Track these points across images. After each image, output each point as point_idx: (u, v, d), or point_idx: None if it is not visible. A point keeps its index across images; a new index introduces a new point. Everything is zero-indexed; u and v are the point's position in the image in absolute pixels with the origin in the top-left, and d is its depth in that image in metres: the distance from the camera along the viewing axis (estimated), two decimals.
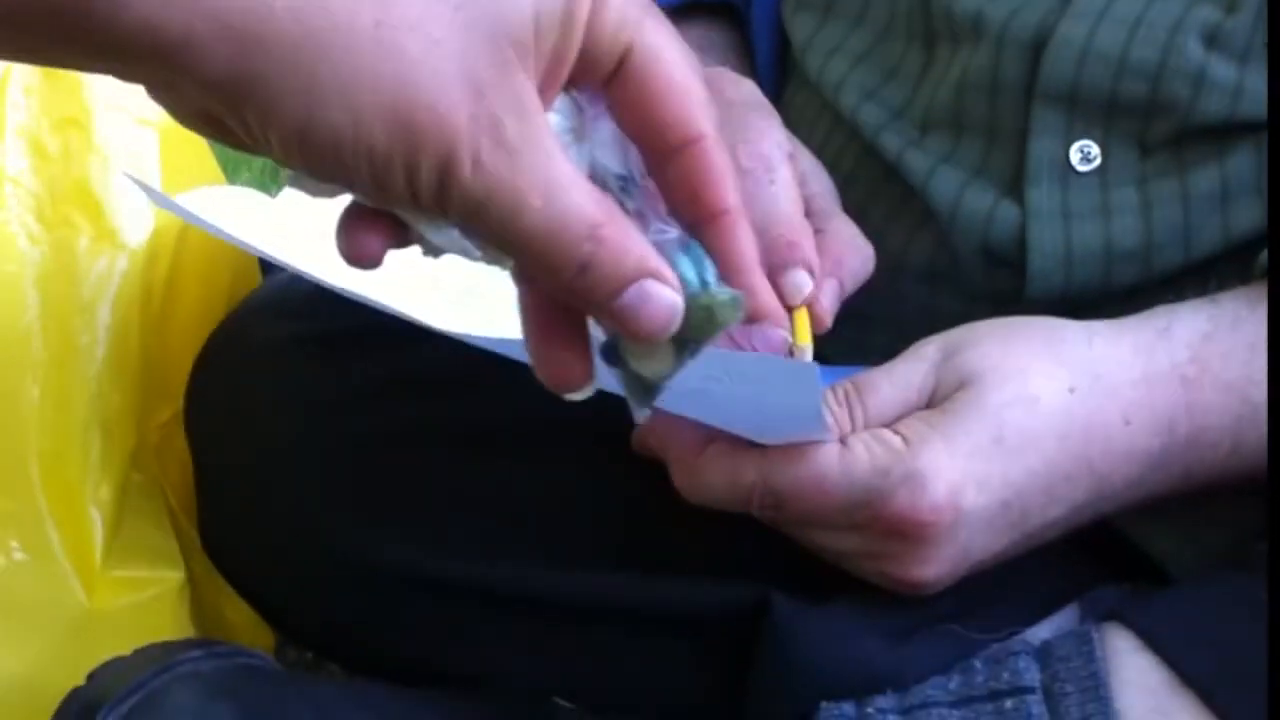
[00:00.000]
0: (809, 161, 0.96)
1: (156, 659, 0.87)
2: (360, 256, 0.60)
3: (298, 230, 0.92)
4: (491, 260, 0.60)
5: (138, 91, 1.11)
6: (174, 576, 1.07)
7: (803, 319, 0.87)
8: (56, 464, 1.04)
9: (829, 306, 0.89)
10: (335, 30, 0.54)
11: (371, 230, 0.60)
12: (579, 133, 0.62)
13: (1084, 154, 0.92)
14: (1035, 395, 0.82)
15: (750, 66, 1.13)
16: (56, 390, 1.04)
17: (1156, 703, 0.81)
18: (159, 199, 0.98)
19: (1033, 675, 0.82)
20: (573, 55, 0.59)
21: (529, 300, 0.64)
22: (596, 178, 0.62)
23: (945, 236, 0.95)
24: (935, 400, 0.84)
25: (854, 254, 0.91)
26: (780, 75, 1.13)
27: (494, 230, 0.58)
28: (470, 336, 0.82)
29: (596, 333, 0.64)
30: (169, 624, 1.05)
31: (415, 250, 0.67)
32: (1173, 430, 0.84)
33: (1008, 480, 0.82)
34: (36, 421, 1.03)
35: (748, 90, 0.94)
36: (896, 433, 0.82)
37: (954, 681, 0.85)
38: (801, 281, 0.87)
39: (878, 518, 0.81)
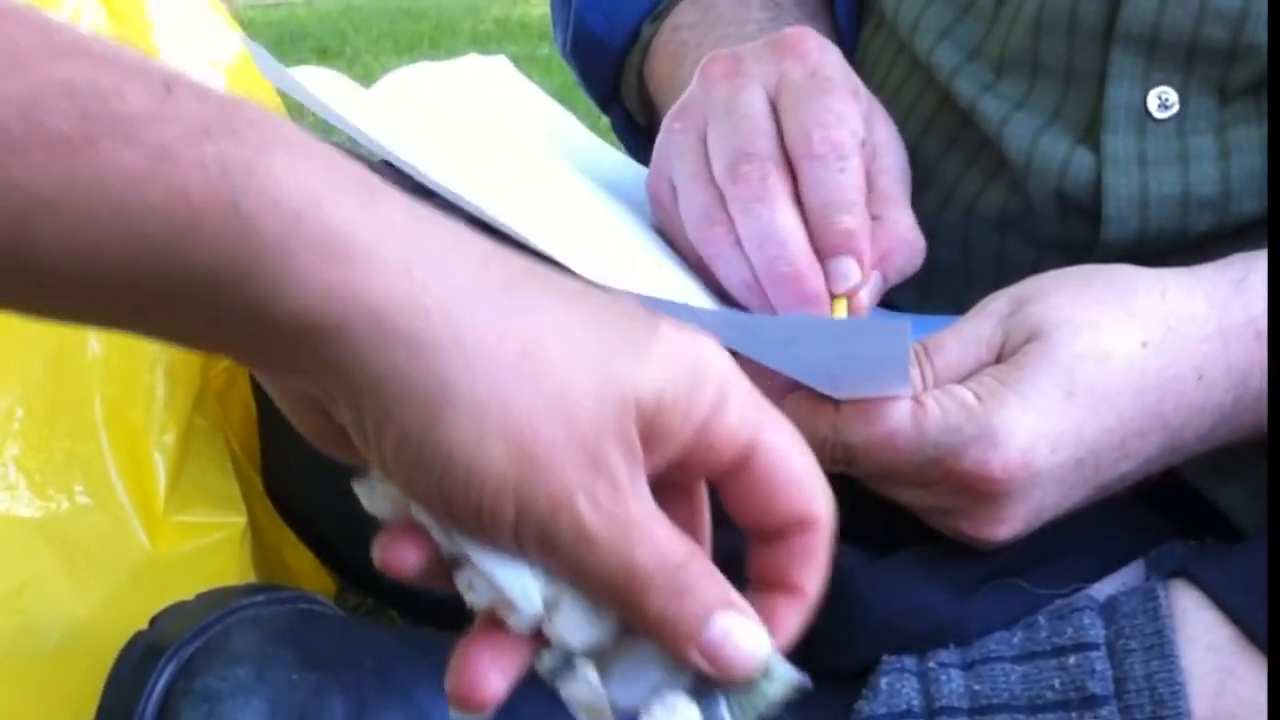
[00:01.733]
0: (887, 133, 0.95)
1: (219, 603, 0.87)
2: (394, 567, 0.62)
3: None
4: (550, 597, 0.60)
5: (206, 35, 1.12)
6: (236, 521, 1.07)
7: (841, 306, 0.88)
8: (120, 408, 1.04)
9: (867, 302, 0.89)
10: (481, 346, 0.55)
11: (414, 546, 0.62)
12: None
13: (1162, 101, 0.91)
14: (1107, 350, 0.81)
15: (830, 13, 1.12)
16: (122, 335, 1.05)
17: (1222, 661, 0.80)
18: (274, 72, 0.96)
19: (1097, 631, 0.82)
20: (681, 440, 0.60)
21: None
22: None
23: (1019, 184, 0.95)
24: (1005, 354, 0.83)
25: (903, 248, 0.91)
26: (858, 16, 1.12)
27: (588, 568, 0.58)
28: (622, 290, 0.82)
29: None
30: (231, 569, 1.05)
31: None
32: (1245, 384, 0.83)
33: (1081, 438, 0.81)
34: (101, 365, 1.04)
35: (832, 62, 0.93)
36: (969, 390, 0.81)
37: (1017, 636, 0.84)
38: (849, 271, 0.87)
39: (950, 474, 0.81)
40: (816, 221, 0.87)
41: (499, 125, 1.03)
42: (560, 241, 0.83)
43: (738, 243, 0.88)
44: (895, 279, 0.91)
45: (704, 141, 0.91)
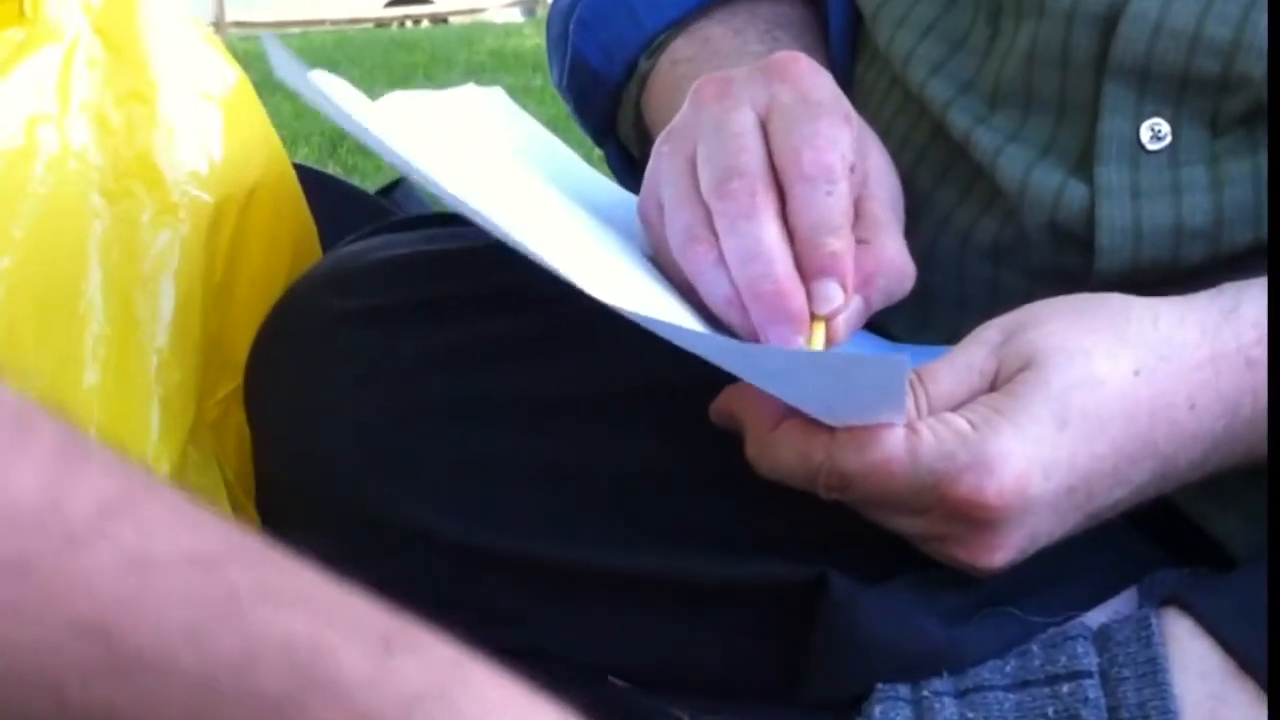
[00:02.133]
0: (879, 160, 0.96)
1: None
2: None
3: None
4: None
5: (201, 67, 1.13)
6: None
7: (821, 329, 0.88)
8: (116, 439, 1.04)
9: (846, 327, 0.89)
10: None
11: None
12: None
13: (1154, 132, 0.91)
14: (1100, 377, 0.81)
15: (825, 43, 1.13)
16: (117, 365, 1.05)
17: (1215, 689, 0.80)
18: (293, 72, 0.95)
19: (1090, 659, 0.82)
20: None
21: None
22: None
23: (1013, 214, 0.95)
24: (998, 382, 0.83)
25: (889, 273, 0.91)
26: (852, 50, 1.12)
27: None
28: (624, 310, 0.82)
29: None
30: None
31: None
32: (1237, 412, 0.83)
33: (1074, 466, 0.81)
34: (97, 396, 1.04)
35: (824, 86, 0.93)
36: (964, 417, 0.81)
37: (1010, 665, 0.84)
38: (832, 293, 0.87)
39: (944, 502, 0.81)
40: (802, 243, 0.88)
41: (496, 151, 1.03)
42: (566, 260, 0.83)
43: (721, 260, 0.88)
44: (880, 304, 0.91)
45: (693, 162, 0.91)
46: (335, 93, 0.89)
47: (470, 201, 0.84)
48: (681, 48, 1.11)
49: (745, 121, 0.90)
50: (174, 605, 0.53)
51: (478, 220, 0.84)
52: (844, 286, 0.87)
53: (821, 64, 0.98)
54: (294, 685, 0.52)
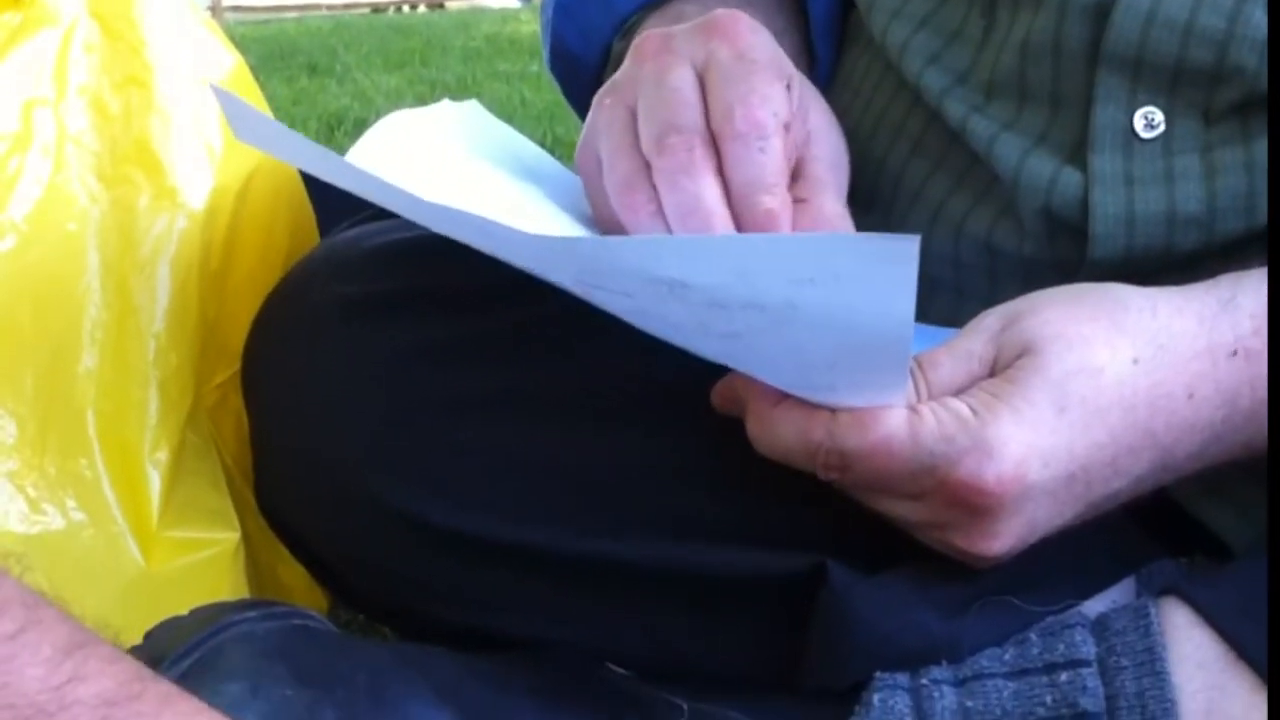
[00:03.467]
0: (822, 120, 0.96)
1: (212, 619, 0.87)
2: None
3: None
4: None
5: (199, 51, 1.13)
6: (229, 537, 1.08)
7: None
8: (114, 424, 1.04)
9: None
10: None
11: None
12: None
13: (1148, 121, 0.92)
14: (1099, 365, 0.81)
15: (803, 32, 1.13)
16: (115, 350, 1.05)
17: (1212, 678, 0.80)
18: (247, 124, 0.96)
19: (1088, 648, 0.82)
20: None
21: None
22: None
23: (1008, 203, 0.95)
24: (997, 369, 0.83)
25: (822, 230, 0.90)
26: (837, 36, 1.12)
27: None
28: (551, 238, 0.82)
29: None
30: (224, 584, 1.06)
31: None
32: (1235, 403, 0.83)
33: (1073, 453, 0.81)
34: (95, 381, 1.04)
35: (761, 45, 0.93)
36: (964, 402, 0.81)
37: (1009, 653, 0.84)
38: None
39: (943, 485, 0.81)
40: (738, 200, 0.87)
41: (466, 168, 1.03)
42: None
43: (659, 212, 0.88)
44: None
45: (632, 115, 0.91)
46: (297, 142, 0.90)
47: (434, 224, 0.85)
48: (654, 27, 1.11)
49: (684, 78, 0.90)
50: None
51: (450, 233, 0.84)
52: None
53: (796, 50, 0.98)
54: None
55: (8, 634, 0.58)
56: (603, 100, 0.94)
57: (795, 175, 0.92)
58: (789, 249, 0.78)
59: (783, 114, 0.89)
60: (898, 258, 0.74)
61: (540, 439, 0.95)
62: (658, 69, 0.91)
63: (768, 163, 0.88)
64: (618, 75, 0.94)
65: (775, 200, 0.88)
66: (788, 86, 0.91)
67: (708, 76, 0.90)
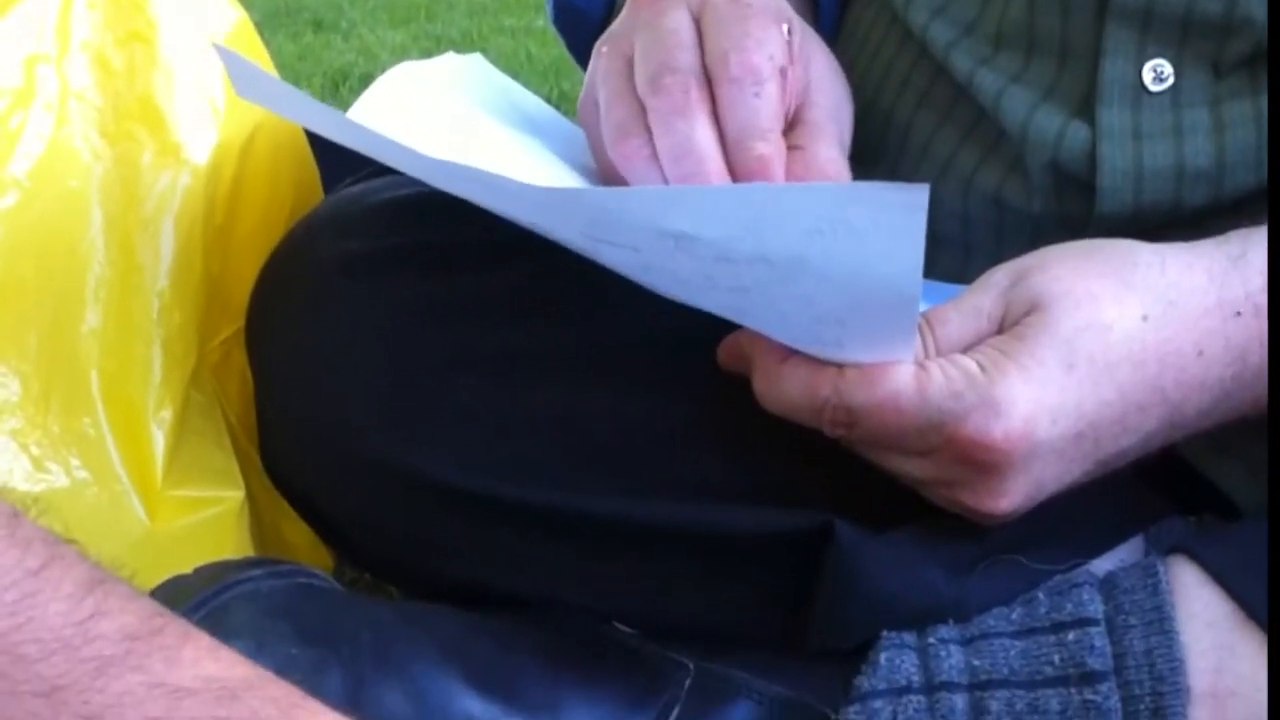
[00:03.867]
0: (824, 68, 0.95)
1: (217, 577, 0.87)
2: None
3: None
4: None
5: (203, 6, 1.12)
6: (234, 496, 1.07)
7: None
8: (118, 382, 1.04)
9: None
10: None
11: None
12: None
13: (1156, 74, 0.91)
14: (1107, 322, 0.81)
15: None
16: (118, 308, 1.05)
17: (1221, 637, 0.81)
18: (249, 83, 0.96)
19: (1096, 607, 0.82)
20: None
21: None
22: None
23: (1015, 157, 0.95)
24: (1005, 326, 0.83)
25: (816, 178, 0.90)
26: None
27: None
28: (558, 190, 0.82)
29: None
30: (229, 543, 1.05)
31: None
32: (1245, 360, 0.83)
33: (1081, 411, 0.81)
34: (98, 340, 1.04)
35: None
36: (973, 359, 0.81)
37: (1016, 612, 0.84)
38: None
39: (951, 442, 0.81)
40: (731, 145, 0.87)
41: (468, 122, 1.02)
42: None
43: (654, 156, 0.88)
44: None
45: (629, 61, 0.91)
46: (299, 99, 0.89)
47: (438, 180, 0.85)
48: None
49: (680, 20, 0.90)
50: None
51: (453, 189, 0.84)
52: None
53: (803, 6, 0.97)
54: None
55: (31, 570, 0.58)
56: (601, 49, 0.94)
57: (794, 122, 0.92)
58: (797, 200, 0.78)
59: (779, 59, 0.89)
60: (907, 207, 0.74)
61: (545, 398, 0.94)
62: (654, 13, 0.91)
63: (762, 108, 0.88)
64: (615, 24, 0.94)
65: (769, 146, 0.87)
66: (787, 32, 0.91)
67: (704, 20, 0.90)
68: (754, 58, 0.88)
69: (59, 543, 0.61)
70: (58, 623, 0.57)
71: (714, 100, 0.88)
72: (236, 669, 0.60)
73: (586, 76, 0.95)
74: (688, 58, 0.88)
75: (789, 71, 0.90)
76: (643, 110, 0.89)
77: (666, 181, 0.88)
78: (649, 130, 0.88)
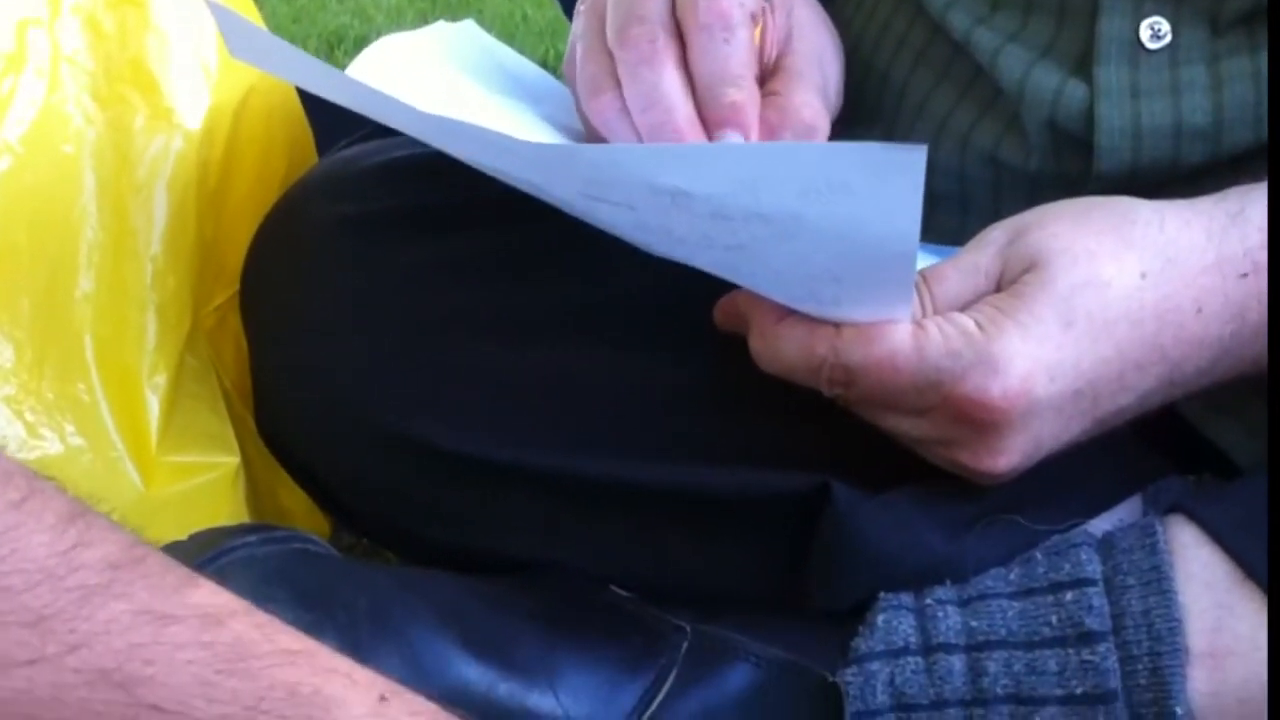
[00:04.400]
0: (806, 15, 0.95)
1: (212, 544, 0.87)
2: None
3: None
4: None
5: None
6: (229, 461, 1.07)
7: None
8: (112, 348, 1.04)
9: None
10: None
11: None
12: None
13: (1154, 31, 0.91)
14: (1106, 279, 0.81)
15: None
16: (112, 273, 1.05)
17: (1219, 597, 0.81)
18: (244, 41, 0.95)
19: (1094, 567, 0.82)
20: None
21: None
22: None
23: (1013, 116, 0.94)
24: (1003, 283, 0.83)
25: (796, 127, 0.90)
26: None
27: None
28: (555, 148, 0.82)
29: None
30: (224, 509, 1.05)
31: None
32: (1244, 317, 0.83)
33: (1079, 368, 0.81)
34: (92, 305, 1.04)
35: None
36: (970, 318, 0.81)
37: (1014, 573, 0.84)
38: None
39: (948, 400, 0.81)
40: (703, 92, 0.87)
41: (459, 92, 1.02)
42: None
43: (625, 110, 0.88)
44: None
45: (602, 19, 0.90)
46: (294, 56, 0.89)
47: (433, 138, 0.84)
48: None
49: None
50: (187, 654, 0.57)
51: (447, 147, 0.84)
52: (746, 138, 0.87)
53: None
54: None
55: (13, 502, 0.59)
56: (579, 7, 0.93)
57: (774, 70, 0.91)
58: (794, 157, 0.78)
59: (749, 4, 0.89)
60: (905, 168, 0.74)
61: (541, 360, 0.94)
62: None
63: (732, 54, 0.87)
64: None
65: (741, 93, 0.87)
66: None
67: None
68: (723, 4, 0.87)
69: (37, 477, 0.61)
70: (41, 554, 0.58)
71: (685, 49, 0.88)
72: (219, 597, 0.60)
73: (569, 38, 0.95)
74: (656, 7, 0.88)
75: (767, 19, 0.90)
76: (613, 64, 0.88)
77: (638, 134, 0.87)
78: (620, 84, 0.88)
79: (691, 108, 0.87)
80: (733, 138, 0.86)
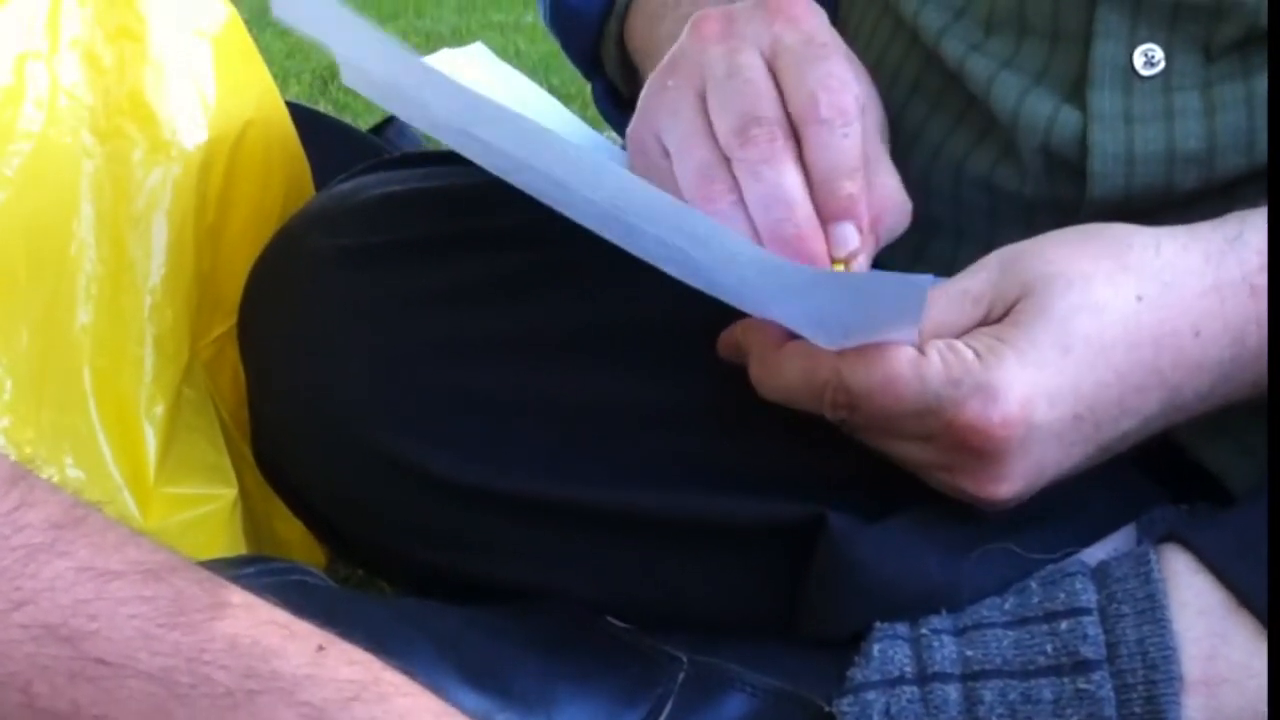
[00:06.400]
0: (868, 89, 0.95)
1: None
2: None
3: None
4: None
5: (192, 3, 1.12)
6: (227, 493, 1.07)
7: (840, 270, 0.88)
8: (110, 379, 1.04)
9: (864, 265, 0.89)
10: None
11: None
12: None
13: (1148, 58, 0.91)
14: (1102, 303, 0.81)
15: None
16: (110, 305, 1.05)
17: (1214, 624, 0.81)
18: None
19: (1089, 596, 0.82)
20: None
21: None
22: None
23: (1007, 143, 0.95)
24: (995, 310, 0.83)
25: (893, 210, 0.91)
26: None
27: None
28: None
29: None
30: (222, 540, 1.05)
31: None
32: (1243, 341, 0.83)
33: (1079, 393, 0.81)
34: (90, 337, 1.04)
35: (824, 26, 0.93)
36: (969, 346, 0.81)
37: (1009, 602, 0.85)
38: (850, 236, 0.87)
39: (949, 428, 0.81)
40: (820, 185, 0.87)
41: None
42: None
43: (739, 201, 0.88)
44: (885, 240, 0.91)
45: (702, 100, 0.90)
46: (347, 15, 0.88)
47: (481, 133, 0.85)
48: None
49: (755, 64, 0.90)
50: (129, 609, 0.59)
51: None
52: (860, 228, 0.87)
53: None
54: (243, 678, 0.58)
55: None
56: (665, 82, 0.93)
57: None
58: (803, 279, 0.82)
59: (862, 97, 0.89)
60: (909, 298, 0.78)
61: (538, 385, 0.95)
62: (724, 54, 0.90)
63: (850, 147, 0.88)
64: (676, 54, 0.93)
65: (855, 185, 0.88)
66: None
67: (779, 62, 0.90)
68: (843, 98, 0.88)
69: None
70: None
71: (799, 143, 0.88)
72: (159, 554, 0.62)
73: (643, 104, 0.94)
74: (770, 106, 0.88)
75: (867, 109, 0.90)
76: (724, 157, 0.88)
77: (753, 225, 0.88)
78: (733, 177, 0.88)
79: (810, 206, 0.87)
80: (848, 229, 0.87)
